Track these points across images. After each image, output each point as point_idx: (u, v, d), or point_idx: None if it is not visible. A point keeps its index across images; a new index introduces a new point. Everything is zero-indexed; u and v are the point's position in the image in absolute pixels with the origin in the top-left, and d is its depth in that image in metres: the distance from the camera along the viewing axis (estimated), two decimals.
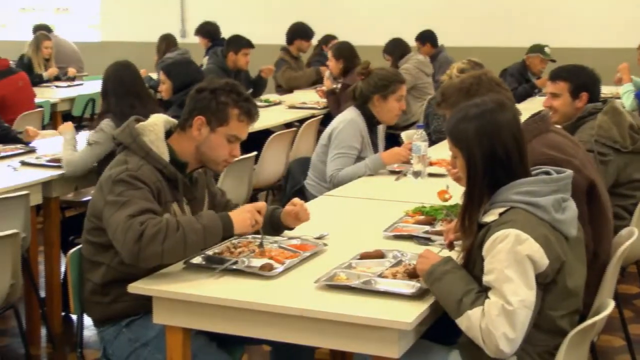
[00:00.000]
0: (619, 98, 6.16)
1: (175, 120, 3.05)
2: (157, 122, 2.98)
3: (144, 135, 2.92)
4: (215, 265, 2.74)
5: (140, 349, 2.89)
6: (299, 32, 8.73)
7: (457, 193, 2.62)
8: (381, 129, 4.87)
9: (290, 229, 3.12)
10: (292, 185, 4.93)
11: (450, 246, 2.78)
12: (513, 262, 2.33)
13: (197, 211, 3.01)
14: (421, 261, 2.56)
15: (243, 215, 2.79)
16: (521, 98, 7.71)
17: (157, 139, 2.93)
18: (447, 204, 3.44)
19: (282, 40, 8.79)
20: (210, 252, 2.84)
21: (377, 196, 3.94)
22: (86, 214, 2.97)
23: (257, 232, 2.90)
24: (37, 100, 7.15)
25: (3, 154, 4.77)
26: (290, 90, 8.30)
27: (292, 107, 7.23)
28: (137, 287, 2.67)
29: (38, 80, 8.43)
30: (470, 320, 2.35)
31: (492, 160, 2.47)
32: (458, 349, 2.56)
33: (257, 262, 2.77)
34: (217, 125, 2.93)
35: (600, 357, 3.69)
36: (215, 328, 2.65)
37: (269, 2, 11.03)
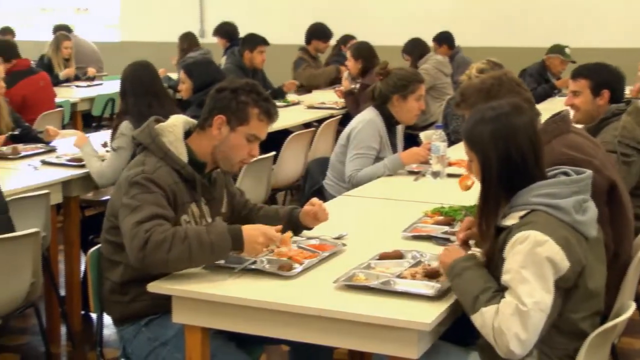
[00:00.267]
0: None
1: (194, 121, 3.06)
2: (177, 123, 2.99)
3: (163, 135, 2.93)
4: (235, 265, 2.74)
5: (159, 348, 2.90)
6: (317, 32, 8.74)
7: (477, 193, 2.61)
8: (400, 129, 4.86)
9: (309, 229, 3.13)
10: (310, 185, 4.93)
11: (465, 245, 2.76)
12: (531, 263, 2.32)
13: (216, 211, 3.02)
14: (445, 254, 2.58)
15: (256, 243, 2.71)
16: (540, 98, 7.67)
17: (176, 139, 2.94)
18: (466, 204, 3.42)
19: (301, 41, 8.80)
20: None
21: (395, 196, 3.93)
22: (105, 213, 2.99)
23: None
24: (57, 100, 7.19)
25: (24, 153, 4.80)
26: (309, 90, 8.31)
27: (310, 107, 7.23)
28: (156, 287, 2.68)
29: (55, 81, 8.48)
30: (484, 318, 2.34)
31: (508, 164, 2.45)
32: (477, 350, 2.55)
33: (276, 262, 2.77)
34: (237, 124, 2.93)
35: (620, 359, 3.66)
36: (234, 327, 2.65)
37: (287, 2, 11.04)
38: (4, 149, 4.78)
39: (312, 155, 5.81)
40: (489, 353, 2.42)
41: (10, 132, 4.94)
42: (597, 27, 9.51)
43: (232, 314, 2.59)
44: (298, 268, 2.73)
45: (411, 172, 4.40)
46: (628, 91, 6.12)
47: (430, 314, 2.40)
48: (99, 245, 3.04)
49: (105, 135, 5.40)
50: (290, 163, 5.76)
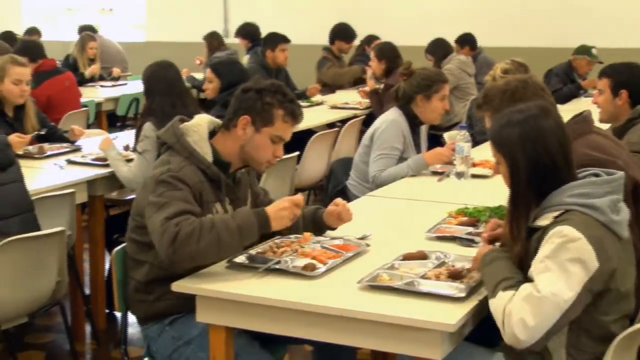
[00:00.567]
0: None
1: (219, 121, 3.07)
2: (201, 123, 3.00)
3: (187, 135, 2.94)
4: (258, 265, 2.75)
5: (183, 347, 2.91)
6: (340, 33, 8.74)
7: (502, 194, 2.59)
8: (423, 130, 4.85)
9: (333, 229, 3.12)
10: (334, 186, 4.94)
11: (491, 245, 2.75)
12: (558, 256, 2.29)
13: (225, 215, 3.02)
14: (482, 245, 2.59)
15: (280, 213, 2.78)
16: (566, 99, 7.63)
17: (201, 139, 2.95)
18: (491, 205, 3.41)
19: (324, 41, 8.80)
20: (253, 252, 2.85)
21: (419, 197, 3.92)
22: (130, 213, 3.00)
23: (295, 228, 2.89)
24: (82, 100, 7.23)
25: (50, 152, 4.84)
26: (332, 90, 8.31)
27: (334, 107, 7.23)
28: (181, 286, 2.69)
29: (80, 80, 8.54)
30: (499, 301, 2.32)
31: (537, 167, 2.43)
32: (501, 351, 2.54)
33: (300, 262, 2.77)
34: (262, 125, 2.94)
35: None
36: (257, 327, 2.66)
37: (311, 2, 11.04)
38: (30, 148, 4.82)
39: (336, 155, 5.81)
40: (514, 354, 2.41)
41: (36, 132, 4.98)
42: (622, 27, 9.42)
43: (256, 314, 2.59)
44: (322, 268, 2.73)
45: (435, 173, 4.38)
46: None
47: (454, 315, 2.39)
48: (123, 244, 3.05)
49: (129, 135, 5.43)
50: (314, 163, 5.77)
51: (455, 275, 2.62)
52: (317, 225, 3.09)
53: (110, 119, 8.24)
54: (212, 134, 3.02)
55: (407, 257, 2.81)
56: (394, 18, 10.35)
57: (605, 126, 4.20)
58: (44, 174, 4.41)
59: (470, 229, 3.18)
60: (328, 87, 8.34)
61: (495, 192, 3.37)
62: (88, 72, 8.76)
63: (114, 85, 8.76)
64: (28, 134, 4.88)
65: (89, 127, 6.91)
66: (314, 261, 2.77)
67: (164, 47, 10.81)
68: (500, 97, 3.22)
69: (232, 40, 9.33)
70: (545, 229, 2.38)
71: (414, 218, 3.53)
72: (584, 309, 2.35)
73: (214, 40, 9.13)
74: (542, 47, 9.37)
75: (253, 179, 3.23)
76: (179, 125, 2.98)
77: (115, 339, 4.47)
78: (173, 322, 2.93)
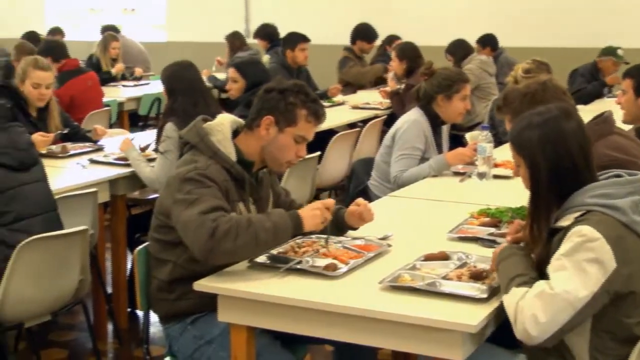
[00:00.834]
0: None
1: (241, 121, 3.07)
2: (224, 122, 3.01)
3: (211, 134, 2.95)
4: (280, 265, 2.75)
5: (204, 346, 2.92)
6: (362, 33, 8.74)
7: (524, 194, 2.58)
8: (445, 130, 4.84)
9: (354, 229, 3.12)
10: (355, 186, 4.94)
11: None
12: (575, 255, 2.28)
13: (262, 211, 3.03)
14: (502, 243, 2.59)
15: (313, 213, 2.80)
16: (590, 97, 7.60)
17: (225, 138, 2.95)
18: (513, 206, 3.39)
19: (345, 41, 8.80)
20: (274, 252, 2.85)
21: (441, 197, 3.91)
22: (153, 212, 3.01)
23: (322, 231, 2.90)
24: (104, 99, 7.27)
25: (72, 152, 4.87)
26: (354, 90, 8.31)
27: (355, 107, 7.23)
28: (203, 285, 2.70)
29: (107, 77, 8.61)
30: (512, 297, 2.32)
31: (557, 169, 2.42)
32: (524, 353, 2.53)
33: (321, 262, 2.77)
34: (285, 125, 2.95)
35: None
36: (279, 327, 2.66)
37: (333, 2, 11.04)
38: (53, 147, 4.86)
39: (357, 155, 5.81)
40: (538, 357, 2.40)
41: (59, 131, 5.01)
42: None
43: (278, 314, 2.60)
44: (343, 268, 2.73)
45: (457, 173, 4.37)
46: None
47: (476, 316, 2.38)
48: (146, 244, 3.06)
49: (148, 135, 5.46)
50: (335, 163, 5.77)
51: (477, 276, 2.61)
52: (339, 225, 3.08)
53: (132, 118, 8.28)
54: (235, 133, 3.03)
55: (429, 258, 2.81)
56: (415, 18, 10.33)
57: (629, 127, 4.19)
58: (67, 174, 4.44)
59: (493, 230, 3.17)
60: (349, 87, 8.34)
61: (518, 192, 3.35)
62: (114, 70, 8.83)
63: (136, 85, 8.81)
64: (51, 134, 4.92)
65: (111, 126, 6.95)
66: (335, 261, 2.77)
67: (186, 47, 10.86)
68: (520, 100, 3.21)
69: (252, 40, 9.35)
70: (566, 230, 2.37)
71: (435, 218, 3.52)
72: (606, 311, 2.33)
73: (236, 40, 9.16)
74: (566, 47, 9.31)
75: (275, 179, 3.23)
76: (202, 124, 2.99)
77: (137, 338, 4.49)
78: (195, 321, 2.94)
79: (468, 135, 5.52)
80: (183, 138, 3.02)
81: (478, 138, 4.28)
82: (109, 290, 4.64)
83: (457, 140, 5.66)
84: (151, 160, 4.57)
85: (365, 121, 6.65)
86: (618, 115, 3.75)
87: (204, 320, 2.92)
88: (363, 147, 6.00)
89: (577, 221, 2.37)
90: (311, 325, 2.58)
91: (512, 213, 3.30)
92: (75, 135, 5.18)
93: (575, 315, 2.27)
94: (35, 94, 4.91)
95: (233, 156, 2.93)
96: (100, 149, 5.00)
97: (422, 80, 4.63)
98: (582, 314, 2.29)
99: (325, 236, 2.92)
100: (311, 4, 11.15)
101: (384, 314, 2.44)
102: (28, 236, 3.32)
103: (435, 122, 4.59)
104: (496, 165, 4.33)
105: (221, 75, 8.38)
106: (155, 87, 8.49)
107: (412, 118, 4.57)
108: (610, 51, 8.03)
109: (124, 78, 9.02)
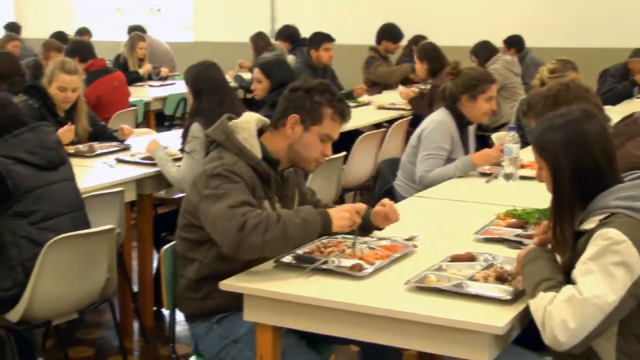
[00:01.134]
0: None
1: (267, 120, 3.08)
2: (250, 120, 3.02)
3: (237, 132, 2.96)
4: (306, 265, 2.75)
5: (230, 345, 2.93)
6: (387, 33, 8.73)
7: (550, 196, 2.57)
8: (471, 130, 4.81)
9: (380, 229, 3.11)
10: (381, 186, 4.93)
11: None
12: (602, 258, 2.26)
13: (287, 209, 3.03)
14: (528, 245, 2.58)
15: (342, 214, 2.80)
16: (621, 97, 7.55)
17: (250, 136, 2.96)
18: (540, 207, 3.37)
19: (371, 41, 8.79)
20: (300, 252, 2.86)
21: (467, 198, 3.90)
22: (180, 211, 3.02)
23: (349, 233, 2.90)
24: (130, 99, 7.32)
25: (99, 151, 4.90)
26: (379, 90, 8.30)
27: (381, 107, 7.22)
28: (229, 285, 2.70)
29: (135, 77, 8.67)
30: (539, 301, 2.30)
31: (580, 172, 2.40)
32: (551, 355, 2.51)
33: (347, 262, 2.77)
34: (311, 124, 2.95)
35: None
36: (304, 327, 2.66)
37: (358, 2, 11.04)
38: (81, 147, 4.89)
39: (382, 155, 5.80)
40: (563, 358, 2.38)
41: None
42: None
43: (303, 313, 2.60)
44: (369, 269, 2.72)
45: (483, 174, 4.35)
46: None
47: (502, 317, 2.37)
48: (173, 243, 3.08)
49: (173, 135, 5.48)
50: (361, 163, 5.76)
51: (504, 278, 2.60)
52: (365, 226, 3.07)
53: (158, 118, 8.32)
54: (260, 132, 3.04)
55: (455, 259, 2.80)
56: (441, 18, 10.30)
57: None
58: (94, 173, 4.47)
59: (519, 231, 3.15)
60: (375, 87, 8.33)
61: (544, 194, 3.31)
62: (142, 70, 8.90)
63: (162, 85, 8.86)
64: (79, 134, 4.96)
65: (137, 126, 6.98)
66: (361, 262, 2.77)
67: (211, 47, 10.89)
68: (543, 103, 3.19)
69: (275, 41, 9.37)
70: (591, 233, 2.35)
71: (461, 219, 3.50)
72: (632, 315, 2.31)
73: (260, 41, 9.18)
74: (595, 47, 9.23)
75: (301, 179, 3.24)
76: (228, 122, 3.00)
77: (163, 337, 4.51)
78: (221, 320, 2.95)
79: (494, 136, 5.49)
80: (209, 136, 3.03)
81: (505, 139, 4.25)
82: (135, 288, 4.67)
83: (483, 141, 5.63)
84: (177, 160, 4.59)
85: (391, 121, 6.64)
86: None
87: (230, 319, 2.93)
88: (389, 147, 5.99)
89: (601, 224, 2.35)
90: (337, 326, 2.58)
91: (539, 214, 3.28)
92: (102, 134, 5.21)
93: (604, 320, 2.25)
94: (61, 96, 4.94)
95: (259, 154, 2.94)
96: (126, 149, 5.03)
97: (448, 80, 4.62)
98: (611, 318, 2.26)
99: (352, 237, 2.92)
100: (337, 4, 11.15)
101: (409, 314, 2.44)
102: (56, 235, 3.35)
103: (461, 122, 4.57)
104: (523, 166, 4.29)
105: (247, 76, 8.40)
106: (181, 87, 8.51)
107: (438, 118, 4.56)
108: None
109: (150, 78, 9.08)
